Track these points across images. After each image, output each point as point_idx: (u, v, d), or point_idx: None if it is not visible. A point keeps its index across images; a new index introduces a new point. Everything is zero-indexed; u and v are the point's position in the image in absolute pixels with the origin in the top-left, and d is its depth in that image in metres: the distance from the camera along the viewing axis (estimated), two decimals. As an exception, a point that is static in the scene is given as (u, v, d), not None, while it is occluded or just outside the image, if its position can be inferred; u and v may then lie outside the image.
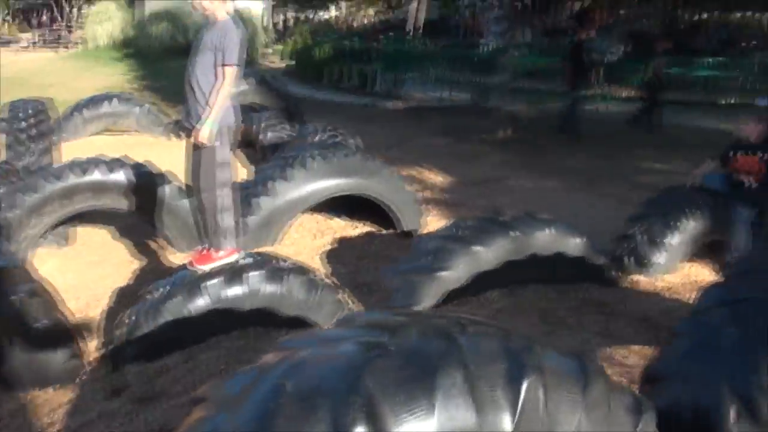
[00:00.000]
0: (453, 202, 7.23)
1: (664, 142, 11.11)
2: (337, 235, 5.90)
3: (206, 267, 3.88)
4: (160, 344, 3.74)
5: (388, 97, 14.27)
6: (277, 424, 1.65)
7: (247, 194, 5.29)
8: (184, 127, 4.02)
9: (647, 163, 9.85)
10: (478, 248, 4.24)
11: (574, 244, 4.55)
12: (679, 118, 12.50)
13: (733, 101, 14.80)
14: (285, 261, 4.09)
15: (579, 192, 7.84)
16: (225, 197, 3.90)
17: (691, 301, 4.39)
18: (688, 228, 4.91)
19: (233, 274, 3.81)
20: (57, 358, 3.56)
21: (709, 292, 2.76)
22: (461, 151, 10.12)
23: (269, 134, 7.90)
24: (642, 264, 4.92)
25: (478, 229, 4.37)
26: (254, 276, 3.81)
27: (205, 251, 4.03)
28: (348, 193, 5.62)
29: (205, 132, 3.74)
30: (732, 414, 2.40)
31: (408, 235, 5.79)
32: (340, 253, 5.50)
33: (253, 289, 3.80)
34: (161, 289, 3.85)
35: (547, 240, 4.43)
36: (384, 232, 5.96)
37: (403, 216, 5.86)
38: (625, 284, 4.79)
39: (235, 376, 1.90)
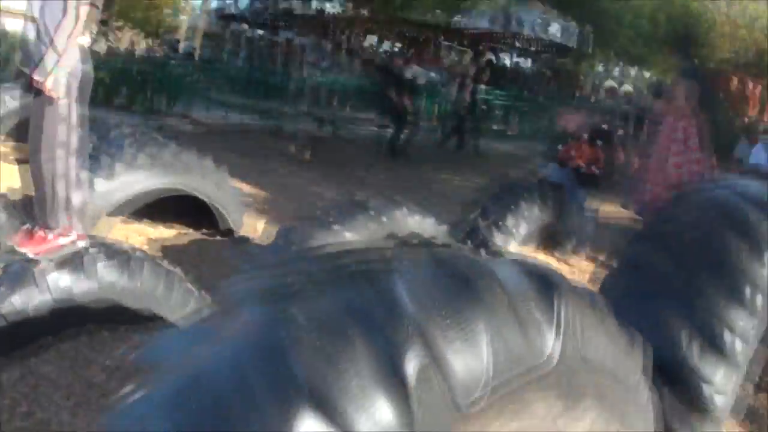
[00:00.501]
0: (268, 209, 6.96)
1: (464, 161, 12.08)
2: (155, 237, 5.29)
3: (39, 251, 3.20)
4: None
5: (180, 119, 13.56)
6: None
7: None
8: (21, 74, 3.28)
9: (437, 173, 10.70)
10: (349, 234, 4.02)
11: (433, 231, 4.47)
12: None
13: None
14: (135, 250, 3.54)
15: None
16: (71, 167, 3.22)
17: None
18: (533, 216, 5.08)
19: (78, 262, 3.19)
20: None
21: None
22: (267, 169, 9.90)
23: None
24: (491, 252, 4.99)
25: (347, 215, 4.15)
26: (104, 267, 3.23)
27: (38, 232, 3.28)
28: (171, 189, 5.03)
29: (50, 81, 3.05)
30: (695, 350, 2.40)
31: (228, 233, 5.36)
32: (169, 257, 4.93)
33: (102, 281, 3.21)
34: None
35: (410, 226, 4.32)
36: (203, 231, 5.46)
37: (228, 213, 5.37)
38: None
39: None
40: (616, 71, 24.36)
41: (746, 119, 17.19)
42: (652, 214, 4.15)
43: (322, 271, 1.49)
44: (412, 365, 1.24)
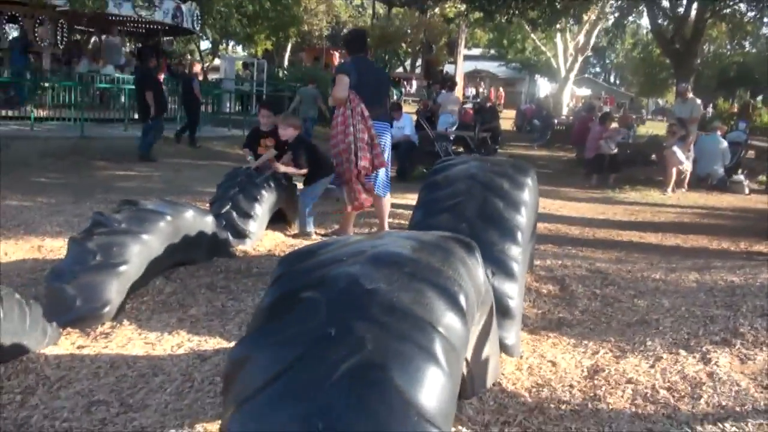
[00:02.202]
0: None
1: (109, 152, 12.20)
2: None
3: None
4: None
5: None
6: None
7: None
8: None
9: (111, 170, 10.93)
10: (146, 236, 4.33)
11: (206, 223, 4.98)
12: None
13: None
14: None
15: (77, 202, 7.95)
16: None
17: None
18: (266, 199, 5.86)
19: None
20: None
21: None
22: None
23: None
24: (241, 235, 5.64)
25: (137, 218, 4.42)
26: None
27: None
28: None
29: None
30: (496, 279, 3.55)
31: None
32: None
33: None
34: None
35: (190, 220, 4.77)
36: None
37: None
38: (239, 254, 5.45)
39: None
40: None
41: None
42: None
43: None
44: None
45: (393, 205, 8.68)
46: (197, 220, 4.86)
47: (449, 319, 2.02)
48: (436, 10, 35.77)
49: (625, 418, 3.10)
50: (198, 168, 12.46)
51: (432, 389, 1.82)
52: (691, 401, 3.25)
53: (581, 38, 32.29)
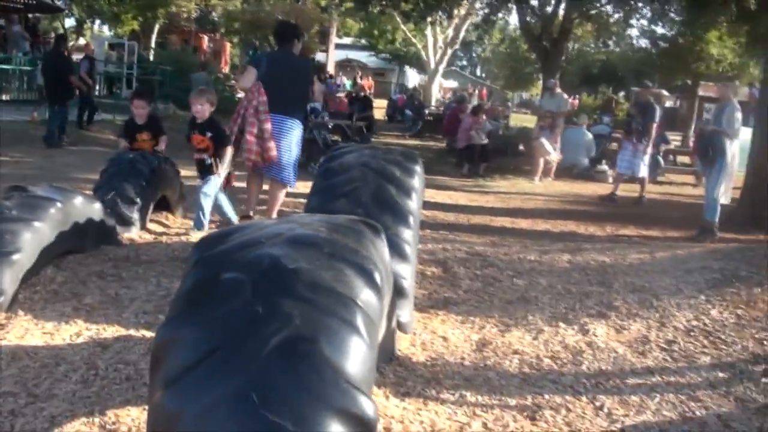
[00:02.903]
0: None
1: None
2: None
3: None
4: None
5: None
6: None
7: None
8: None
9: None
10: (38, 224, 4.22)
11: (95, 210, 4.88)
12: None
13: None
14: None
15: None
16: None
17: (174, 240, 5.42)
18: (151, 186, 5.79)
19: None
20: None
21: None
22: None
23: None
24: (126, 223, 5.54)
25: (28, 205, 4.28)
26: None
27: None
28: None
29: None
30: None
31: None
32: None
33: None
34: None
35: (79, 207, 4.66)
36: None
37: None
38: (126, 242, 5.36)
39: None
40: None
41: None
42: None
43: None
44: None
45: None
46: (86, 207, 4.76)
47: (367, 295, 2.17)
48: (310, -4, 35.66)
49: (514, 384, 3.37)
50: (70, 153, 11.95)
51: (357, 358, 1.97)
52: (573, 367, 3.57)
53: (450, 32, 33.20)
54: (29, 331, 3.68)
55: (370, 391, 1.99)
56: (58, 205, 4.43)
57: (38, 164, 10.61)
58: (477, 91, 42.94)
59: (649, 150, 11.41)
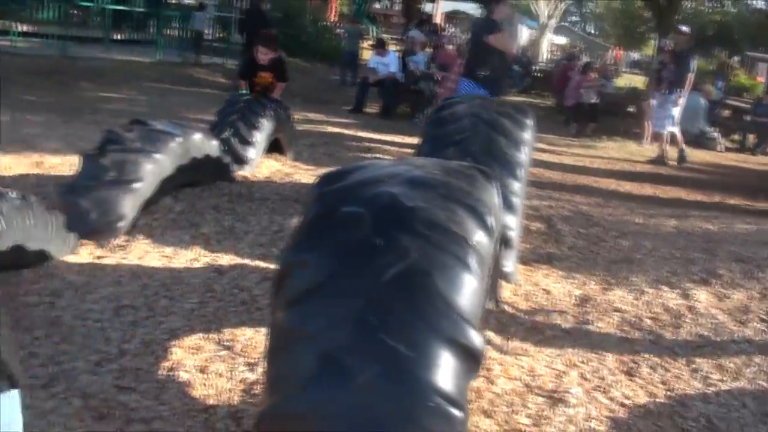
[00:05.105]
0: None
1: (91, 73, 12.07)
2: None
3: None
4: None
5: None
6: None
7: None
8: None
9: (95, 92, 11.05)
10: (159, 156, 4.47)
11: (213, 146, 5.12)
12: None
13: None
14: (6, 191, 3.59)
15: (68, 122, 7.99)
16: None
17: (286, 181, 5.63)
18: (265, 127, 6.02)
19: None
20: None
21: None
22: None
23: None
24: (241, 161, 5.80)
25: (149, 137, 4.54)
26: (10, 209, 3.34)
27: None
28: None
29: None
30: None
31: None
32: None
33: (11, 224, 3.34)
34: None
35: (197, 143, 4.91)
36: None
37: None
38: (240, 179, 5.62)
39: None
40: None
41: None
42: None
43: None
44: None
45: (377, 141, 8.89)
46: (204, 143, 5.00)
47: (479, 236, 2.24)
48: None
49: (613, 341, 3.39)
50: (182, 94, 12.39)
51: (467, 294, 2.05)
52: (673, 330, 3.55)
53: (563, -15, 32.12)
54: (148, 254, 3.95)
55: (478, 325, 2.08)
56: (178, 139, 4.67)
57: (152, 102, 11.09)
58: (612, 52, 41.34)
59: (681, 101, 10.33)
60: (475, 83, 6.57)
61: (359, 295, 1.99)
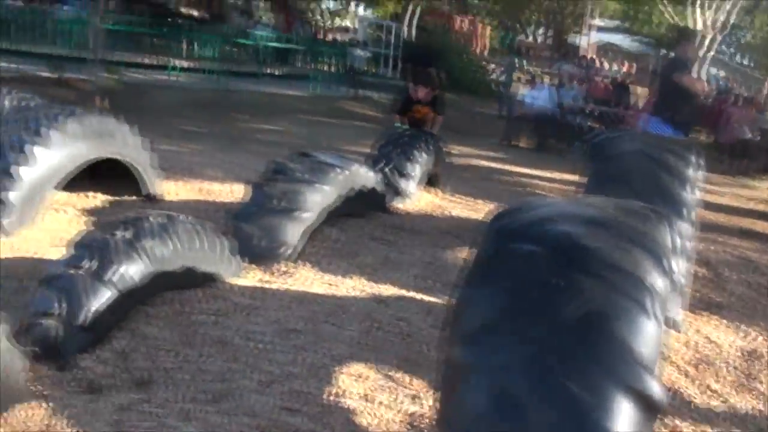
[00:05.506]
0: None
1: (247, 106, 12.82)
2: (82, 207, 5.30)
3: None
4: (102, 323, 3.27)
5: None
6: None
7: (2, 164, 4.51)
8: None
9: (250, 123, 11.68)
10: (324, 187, 4.67)
11: (371, 177, 5.30)
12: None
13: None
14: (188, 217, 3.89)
15: (227, 152, 8.46)
16: None
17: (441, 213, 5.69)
18: (422, 161, 6.16)
19: (166, 232, 3.54)
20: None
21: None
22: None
23: None
24: (399, 193, 5.97)
25: (314, 168, 4.75)
26: (182, 234, 3.61)
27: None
28: (104, 157, 5.13)
29: None
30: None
31: (151, 198, 5.59)
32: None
33: (183, 247, 3.60)
34: (86, 260, 3.32)
35: (359, 174, 5.10)
36: (129, 198, 5.58)
37: (149, 179, 5.59)
38: (397, 211, 5.78)
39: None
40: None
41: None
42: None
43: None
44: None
45: (529, 175, 8.81)
46: (365, 175, 5.18)
47: (656, 279, 2.19)
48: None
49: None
50: (334, 126, 12.87)
51: (646, 340, 2.01)
52: None
53: (720, 16, 30.64)
54: (313, 281, 4.11)
55: (656, 371, 2.02)
56: (342, 171, 4.86)
57: (303, 134, 11.54)
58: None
59: None
60: (664, 123, 6.49)
61: (537, 335, 2.00)
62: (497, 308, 2.11)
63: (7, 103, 5.84)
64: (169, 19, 18.23)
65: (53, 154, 4.73)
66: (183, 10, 19.52)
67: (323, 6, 43.64)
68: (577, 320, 2.00)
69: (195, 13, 19.57)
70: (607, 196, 3.74)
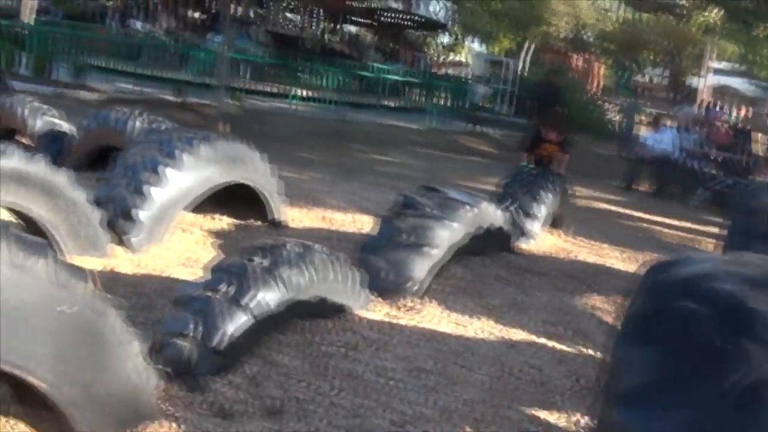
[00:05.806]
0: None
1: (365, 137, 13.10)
2: (208, 228, 5.52)
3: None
4: (236, 347, 3.35)
5: (73, 86, 12.76)
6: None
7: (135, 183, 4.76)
8: None
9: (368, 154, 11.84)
10: (453, 223, 4.66)
11: (499, 216, 5.26)
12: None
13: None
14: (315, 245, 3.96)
15: (347, 181, 8.63)
16: None
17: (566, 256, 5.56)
18: (548, 201, 6.08)
19: (302, 261, 3.61)
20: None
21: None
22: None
23: (39, 121, 6.71)
24: (524, 234, 5.91)
25: (444, 205, 4.75)
26: (320, 262, 3.67)
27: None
28: (234, 182, 5.32)
29: None
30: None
31: (275, 224, 5.74)
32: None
33: (319, 276, 3.66)
34: (224, 283, 3.42)
35: (486, 213, 5.06)
36: (254, 222, 5.77)
37: (275, 205, 5.75)
38: (521, 252, 5.72)
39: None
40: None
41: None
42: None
43: None
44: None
45: (649, 221, 8.52)
46: (492, 213, 5.14)
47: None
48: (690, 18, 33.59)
49: None
50: (450, 160, 12.88)
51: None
52: None
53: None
54: (440, 319, 4.09)
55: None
56: (471, 208, 4.83)
57: (422, 167, 11.59)
58: None
59: None
60: None
61: (700, 402, 1.90)
62: (658, 369, 2.01)
63: (138, 124, 6.15)
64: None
65: (185, 177, 4.92)
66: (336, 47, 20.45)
67: (438, 41, 44.21)
68: (744, 389, 1.88)
69: (345, 50, 20.41)
70: (754, 252, 3.60)
